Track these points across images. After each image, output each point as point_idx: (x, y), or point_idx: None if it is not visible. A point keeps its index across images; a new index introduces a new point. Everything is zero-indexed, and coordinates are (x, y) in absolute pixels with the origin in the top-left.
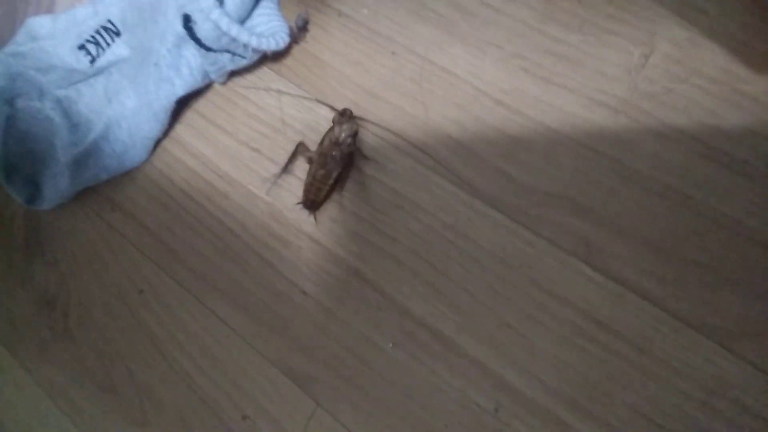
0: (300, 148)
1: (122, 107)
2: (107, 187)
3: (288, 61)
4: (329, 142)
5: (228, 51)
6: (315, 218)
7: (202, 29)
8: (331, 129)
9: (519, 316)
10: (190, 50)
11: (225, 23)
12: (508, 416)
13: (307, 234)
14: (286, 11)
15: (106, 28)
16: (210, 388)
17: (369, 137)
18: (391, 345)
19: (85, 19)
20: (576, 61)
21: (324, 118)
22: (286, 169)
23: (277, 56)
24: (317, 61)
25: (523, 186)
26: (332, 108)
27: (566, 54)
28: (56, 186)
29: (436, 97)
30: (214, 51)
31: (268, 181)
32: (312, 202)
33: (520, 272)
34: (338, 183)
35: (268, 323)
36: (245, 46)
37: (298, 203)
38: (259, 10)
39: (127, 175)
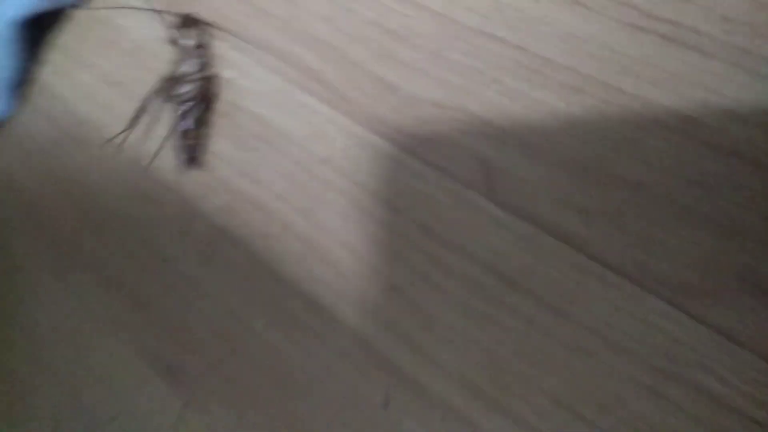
0: (147, 101)
1: None
2: None
3: None
4: (177, 68)
5: None
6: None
7: None
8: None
9: (409, 276)
10: None
11: None
12: (399, 412)
13: (167, 185)
14: None
15: None
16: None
17: (226, 52)
18: (262, 323)
19: None
20: None
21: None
22: (134, 124)
23: None
24: None
25: (408, 97)
26: (172, 14)
27: None
28: None
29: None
30: None
31: (118, 138)
32: (188, 149)
33: (408, 216)
34: (205, 122)
35: (132, 299)
36: None
37: (178, 166)
38: None
39: None
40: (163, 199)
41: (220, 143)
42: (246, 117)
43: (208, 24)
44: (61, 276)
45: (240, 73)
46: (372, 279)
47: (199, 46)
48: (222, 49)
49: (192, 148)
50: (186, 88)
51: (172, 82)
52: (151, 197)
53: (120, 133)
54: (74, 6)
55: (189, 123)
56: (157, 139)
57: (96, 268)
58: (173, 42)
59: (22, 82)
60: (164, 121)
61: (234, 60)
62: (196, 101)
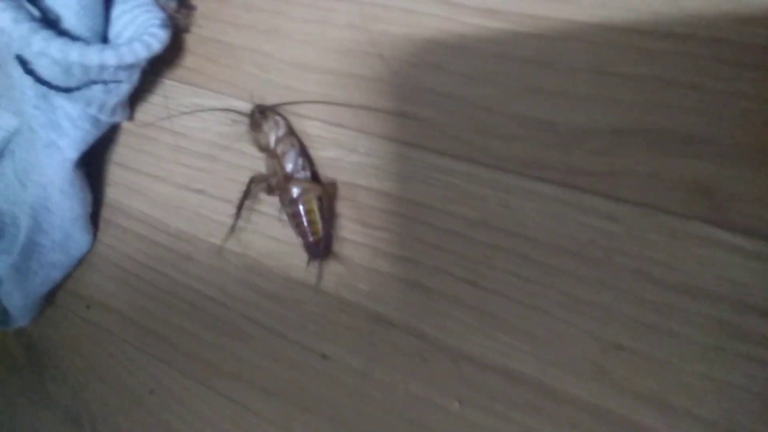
0: (253, 185)
1: (42, 188)
2: (71, 282)
3: (188, 60)
4: (272, 160)
5: (94, 81)
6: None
7: (41, 67)
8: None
9: (632, 329)
10: (66, 101)
11: (56, 48)
12: None
13: (299, 282)
14: None
15: None
16: None
17: (322, 132)
18: (457, 403)
19: None
20: None
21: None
22: (241, 212)
23: (168, 59)
24: (221, 45)
25: (573, 131)
26: (241, 113)
27: None
28: (13, 302)
29: (394, 40)
30: (78, 89)
31: (229, 228)
32: (316, 244)
33: (613, 264)
34: (326, 202)
35: (296, 401)
36: (107, 68)
37: (309, 261)
38: (120, 7)
39: (85, 263)
40: (300, 296)
41: (348, 229)
42: (368, 194)
43: (279, 113)
44: (206, 385)
45: (345, 150)
46: (581, 339)
47: (286, 135)
48: (313, 127)
49: (318, 242)
50: (294, 184)
51: (274, 179)
52: (286, 297)
53: (232, 224)
54: (124, 120)
55: (311, 216)
56: (272, 237)
57: (246, 376)
58: (255, 139)
59: (96, 209)
60: (273, 218)
61: (333, 137)
62: (308, 193)
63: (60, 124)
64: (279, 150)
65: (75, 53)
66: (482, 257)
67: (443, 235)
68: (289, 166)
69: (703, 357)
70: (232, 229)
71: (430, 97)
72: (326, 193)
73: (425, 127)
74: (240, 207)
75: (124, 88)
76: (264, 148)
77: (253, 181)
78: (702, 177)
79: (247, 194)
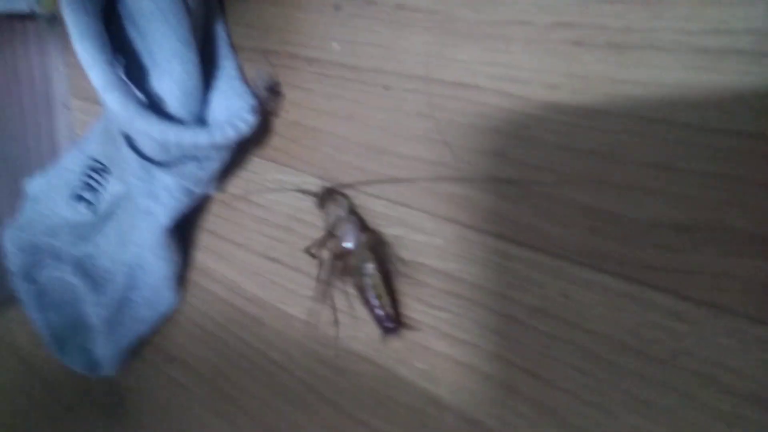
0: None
1: (139, 248)
2: (158, 337)
3: (274, 140)
4: (334, 245)
5: (188, 158)
6: (407, 327)
7: (142, 144)
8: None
9: None
10: (160, 170)
11: (157, 129)
12: None
13: (359, 354)
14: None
15: (94, 168)
16: None
17: (388, 210)
18: None
19: (71, 165)
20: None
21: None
22: (328, 293)
23: (258, 139)
24: (303, 129)
25: (635, 224)
26: (310, 193)
27: None
28: (104, 351)
29: (458, 127)
30: (173, 164)
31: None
32: (386, 317)
33: (676, 365)
34: (392, 286)
35: None
36: (200, 147)
37: (381, 336)
38: (217, 93)
39: (171, 320)
40: (359, 370)
41: (406, 307)
42: (430, 274)
43: (341, 192)
44: None
45: (408, 229)
46: None
47: (350, 214)
48: (379, 205)
49: (389, 316)
50: (358, 258)
51: (339, 256)
52: (347, 368)
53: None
54: (216, 191)
55: (377, 291)
56: (341, 311)
57: None
58: (326, 219)
59: (184, 272)
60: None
61: (398, 216)
62: (374, 267)
63: (158, 194)
64: (338, 231)
65: (172, 135)
66: (541, 347)
67: (502, 321)
68: (349, 243)
69: None
70: (322, 300)
71: (491, 182)
72: (388, 272)
73: (486, 210)
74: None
75: (215, 166)
76: (334, 222)
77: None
78: None
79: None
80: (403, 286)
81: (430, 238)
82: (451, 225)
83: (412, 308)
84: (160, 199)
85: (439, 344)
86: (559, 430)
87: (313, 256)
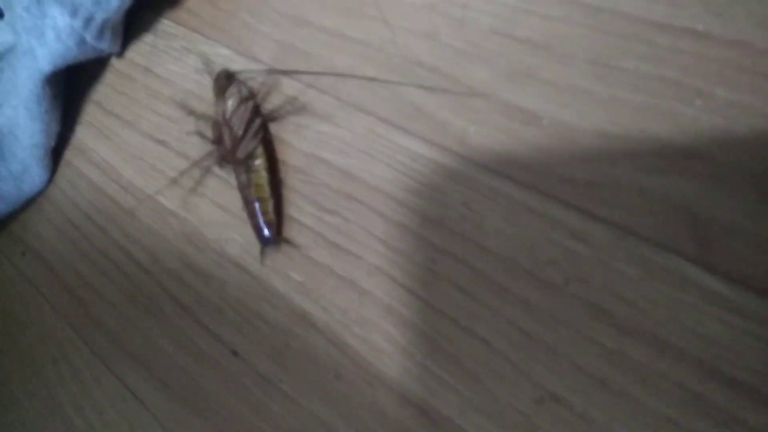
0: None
1: (14, 109)
2: (15, 223)
3: (189, 1)
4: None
5: None
6: (283, 244)
7: None
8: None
9: (575, 380)
10: (56, 6)
11: None
12: None
13: (231, 260)
14: None
15: None
16: None
17: (300, 92)
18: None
19: None
20: None
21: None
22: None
23: None
24: None
25: (558, 127)
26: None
27: None
28: None
29: (393, 5)
30: None
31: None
32: (267, 225)
33: (567, 292)
34: (277, 188)
35: (190, 402)
36: None
37: (261, 246)
38: None
39: (35, 204)
40: (228, 278)
41: (296, 206)
42: (328, 172)
43: (244, 83)
44: (106, 364)
45: (314, 118)
46: (518, 386)
47: (246, 100)
48: (290, 87)
49: (269, 223)
50: (246, 150)
51: (226, 144)
52: (213, 275)
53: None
54: (110, 55)
55: (260, 194)
56: (218, 204)
57: (146, 360)
58: (218, 98)
59: (56, 145)
60: (227, 183)
61: (306, 101)
62: (259, 164)
63: (44, 33)
64: (234, 118)
65: None
66: (428, 262)
67: (392, 228)
68: (239, 131)
69: (651, 428)
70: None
71: (417, 69)
72: (276, 159)
73: (403, 102)
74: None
75: (114, 5)
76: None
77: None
78: (691, 202)
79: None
80: (295, 183)
81: (336, 129)
82: (362, 116)
83: (302, 210)
84: (45, 39)
85: (321, 254)
86: (429, 358)
87: (201, 136)
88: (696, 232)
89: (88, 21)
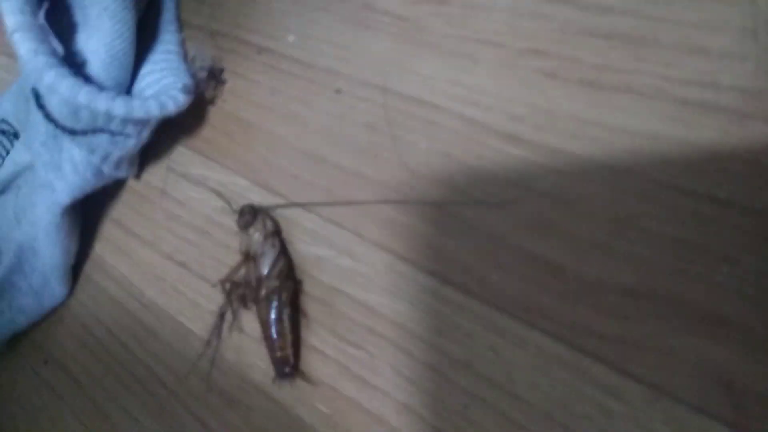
0: (230, 295)
1: (33, 228)
2: (37, 332)
3: (205, 131)
4: (252, 266)
5: (101, 130)
6: (302, 378)
7: (51, 104)
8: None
9: None
10: (73, 144)
11: (66, 87)
12: None
13: (256, 386)
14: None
15: (2, 130)
16: None
17: (319, 226)
18: None
19: None
20: (641, 38)
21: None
22: (217, 331)
23: (189, 127)
24: (239, 123)
25: (580, 281)
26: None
27: (622, 31)
28: None
29: (410, 146)
30: (82, 133)
31: (205, 347)
32: (283, 361)
33: None
34: (297, 324)
35: None
36: (114, 117)
37: (275, 379)
38: (150, 66)
39: (56, 314)
40: (252, 404)
41: (318, 337)
42: (349, 305)
43: (270, 216)
44: None
45: (336, 251)
46: None
47: (272, 235)
48: (308, 221)
49: (286, 359)
50: (268, 289)
51: (248, 284)
52: (239, 400)
53: (207, 346)
54: (128, 177)
55: (279, 328)
56: (241, 329)
57: None
58: (242, 235)
59: (75, 261)
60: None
61: (326, 235)
62: (281, 301)
63: (61, 166)
64: (259, 253)
65: (83, 96)
66: (460, 406)
67: (423, 371)
68: (264, 270)
69: None
70: (208, 344)
71: (435, 212)
72: (298, 295)
73: (424, 242)
74: (217, 327)
75: (131, 144)
76: (244, 251)
77: (230, 292)
78: (724, 367)
79: (223, 316)
80: (317, 314)
81: (356, 264)
82: (382, 252)
83: (324, 341)
84: (64, 172)
85: (347, 386)
86: None
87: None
88: (731, 398)
89: (105, 157)
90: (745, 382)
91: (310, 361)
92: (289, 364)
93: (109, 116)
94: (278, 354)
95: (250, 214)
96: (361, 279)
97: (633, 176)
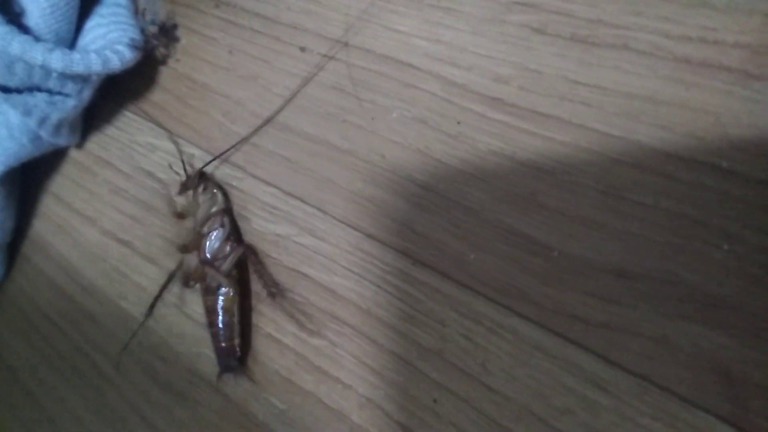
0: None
1: None
2: None
3: (155, 94)
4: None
5: (38, 88)
6: (246, 374)
7: None
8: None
9: None
10: (7, 105)
11: None
12: None
13: (205, 380)
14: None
15: None
16: None
17: (277, 201)
18: None
19: None
20: None
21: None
22: (161, 297)
23: (137, 89)
24: (194, 85)
25: (567, 261)
26: (184, 173)
27: None
28: None
29: (382, 111)
30: (17, 91)
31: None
32: (228, 352)
33: None
34: (246, 301)
35: None
36: (51, 72)
37: (220, 373)
38: (97, 19)
39: None
40: (201, 398)
41: (274, 325)
42: (311, 289)
43: (221, 187)
44: None
45: (295, 228)
46: None
47: (224, 211)
48: (268, 195)
49: (231, 350)
50: (218, 269)
51: (192, 267)
52: (185, 394)
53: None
54: (70, 146)
55: (226, 318)
56: (189, 316)
57: None
58: (189, 203)
59: (11, 239)
60: (188, 294)
61: (287, 211)
62: (231, 291)
63: None
64: (205, 229)
65: (17, 45)
66: (428, 400)
67: (390, 361)
68: (211, 249)
69: None
70: (142, 324)
71: (408, 185)
72: (248, 282)
73: (394, 218)
74: (153, 304)
75: (71, 105)
76: (180, 216)
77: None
78: (721, 355)
79: (164, 288)
80: (275, 299)
81: (319, 243)
82: (347, 230)
83: (281, 328)
84: None
85: (305, 379)
86: None
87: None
88: (729, 389)
89: (42, 120)
90: (744, 372)
91: (265, 351)
92: (234, 356)
93: (46, 70)
94: (223, 344)
95: (198, 179)
96: (324, 260)
97: (626, 143)
